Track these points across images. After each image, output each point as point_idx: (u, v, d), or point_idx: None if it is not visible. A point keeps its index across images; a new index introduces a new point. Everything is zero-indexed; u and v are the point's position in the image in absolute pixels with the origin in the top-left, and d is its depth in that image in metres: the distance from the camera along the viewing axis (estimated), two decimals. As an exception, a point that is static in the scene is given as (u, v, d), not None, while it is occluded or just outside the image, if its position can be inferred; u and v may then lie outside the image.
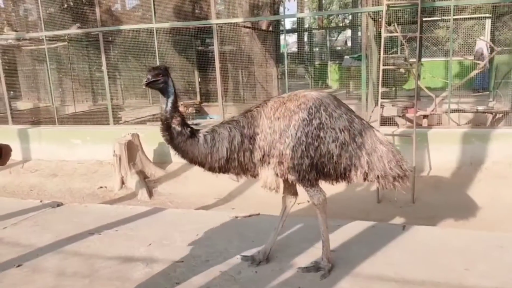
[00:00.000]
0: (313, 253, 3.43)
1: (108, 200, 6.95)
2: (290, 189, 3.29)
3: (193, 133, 2.94)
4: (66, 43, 10.84)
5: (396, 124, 7.36)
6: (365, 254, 3.43)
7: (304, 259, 3.39)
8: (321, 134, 2.85)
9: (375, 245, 3.61)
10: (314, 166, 2.89)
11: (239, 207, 6.21)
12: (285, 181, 3.13)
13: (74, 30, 9.58)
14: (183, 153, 2.97)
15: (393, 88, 9.66)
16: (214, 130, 2.99)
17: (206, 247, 3.72)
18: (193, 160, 3.01)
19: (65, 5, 10.18)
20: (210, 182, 7.07)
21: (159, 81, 2.83)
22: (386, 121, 7.29)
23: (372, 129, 3.07)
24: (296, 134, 2.85)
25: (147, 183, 7.42)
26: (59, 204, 5.21)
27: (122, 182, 7.43)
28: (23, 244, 3.97)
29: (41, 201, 5.41)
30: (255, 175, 3.07)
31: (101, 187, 7.60)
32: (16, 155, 8.97)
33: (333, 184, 3.11)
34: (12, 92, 10.83)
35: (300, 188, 3.24)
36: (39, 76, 11.89)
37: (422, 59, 10.54)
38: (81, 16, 10.02)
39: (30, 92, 12.20)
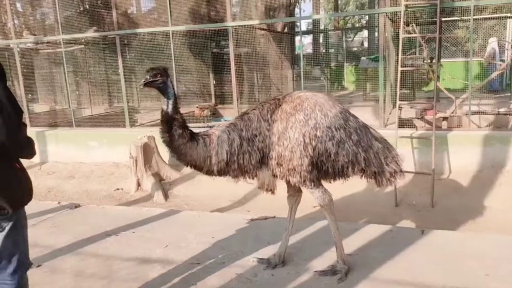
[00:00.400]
0: (330, 256, 3.40)
1: (124, 202, 7.00)
2: (294, 188, 3.28)
3: (193, 136, 2.95)
4: (82, 46, 11.00)
5: (414, 127, 7.23)
6: (383, 258, 3.38)
7: (321, 262, 3.36)
8: (318, 133, 2.88)
9: (393, 249, 3.55)
10: (314, 165, 2.90)
11: (254, 209, 6.19)
12: (288, 184, 3.15)
13: (91, 34, 9.71)
14: (181, 156, 2.96)
15: (412, 90, 9.52)
16: (213, 133, 3.00)
17: (221, 249, 3.73)
18: (190, 163, 3.01)
19: (82, 9, 10.33)
20: (225, 184, 7.00)
21: (158, 81, 2.83)
22: (404, 123, 7.17)
23: (367, 126, 3.11)
24: (294, 135, 2.87)
25: (163, 185, 7.45)
26: (76, 206, 5.28)
27: (138, 184, 7.48)
28: (42, 245, 4.03)
29: (59, 203, 5.50)
30: (253, 177, 3.08)
31: (117, 189, 7.67)
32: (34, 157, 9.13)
33: (330, 183, 3.11)
34: (30, 95, 11.03)
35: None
36: (55, 79, 12.08)
37: (442, 60, 10.39)
38: (97, 19, 10.16)
39: (46, 95, 12.40)
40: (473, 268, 3.18)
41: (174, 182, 7.60)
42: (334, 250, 3.27)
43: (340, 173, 2.98)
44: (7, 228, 2.15)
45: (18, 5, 10.51)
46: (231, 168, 2.98)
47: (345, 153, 2.90)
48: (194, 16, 10.00)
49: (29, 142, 2.26)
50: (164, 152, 8.01)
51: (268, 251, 3.54)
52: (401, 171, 3.08)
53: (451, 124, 7.25)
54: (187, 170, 7.94)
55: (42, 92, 12.39)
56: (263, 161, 2.96)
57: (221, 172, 3.02)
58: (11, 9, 9.64)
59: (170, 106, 2.87)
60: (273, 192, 3.13)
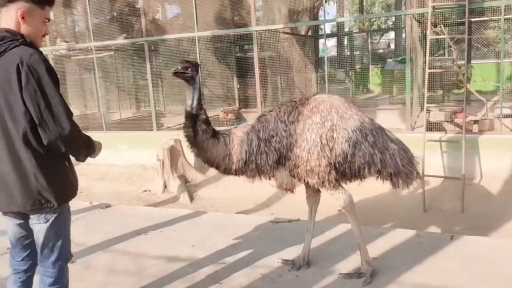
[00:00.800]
0: (355, 259, 3.39)
1: (152, 203, 7.16)
2: (311, 189, 3.29)
3: (215, 133, 3.01)
4: (112, 52, 11.34)
5: (444, 130, 7.09)
6: (410, 263, 3.34)
7: (346, 265, 3.35)
8: (334, 135, 2.90)
9: (420, 254, 3.51)
10: (332, 166, 2.92)
11: (278, 212, 6.21)
12: (307, 185, 3.17)
13: (121, 40, 10.00)
14: (202, 152, 3.02)
15: (441, 92, 9.34)
16: (233, 133, 3.05)
17: (246, 249, 3.77)
18: (209, 161, 3.06)
19: (111, 16, 10.64)
20: (249, 187, 7.04)
21: (187, 74, 2.93)
22: (433, 126, 7.04)
23: (382, 128, 3.11)
24: (311, 137, 2.90)
25: (188, 187, 7.58)
26: (107, 206, 5.45)
27: (165, 186, 7.64)
28: (75, 242, 4.10)
29: (90, 203, 5.68)
30: (270, 177, 3.11)
31: (145, 191, 7.85)
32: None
33: (346, 184, 3.12)
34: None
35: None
36: (85, 84, 12.46)
37: (472, 62, 10.14)
38: (126, 26, 10.45)
39: (77, 100, 12.79)
40: (504, 275, 3.11)
41: (199, 184, 7.73)
42: (359, 254, 3.27)
43: (356, 174, 2.99)
44: (51, 220, 2.25)
45: (51, 13, 10.91)
46: (248, 167, 3.02)
47: (362, 154, 2.91)
48: (218, 21, 10.14)
49: (84, 142, 2.34)
50: (189, 154, 8.10)
51: (292, 253, 3.56)
52: (417, 172, 3.07)
53: (482, 128, 7.06)
54: (212, 172, 8.08)
55: (73, 97, 12.79)
56: (280, 161, 3.00)
57: (238, 171, 3.07)
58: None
59: (195, 102, 2.95)
60: (292, 191, 3.16)
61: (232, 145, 3.00)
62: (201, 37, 8.72)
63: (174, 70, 2.94)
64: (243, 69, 11.06)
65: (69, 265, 3.10)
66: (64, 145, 2.16)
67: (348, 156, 2.90)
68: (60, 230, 2.31)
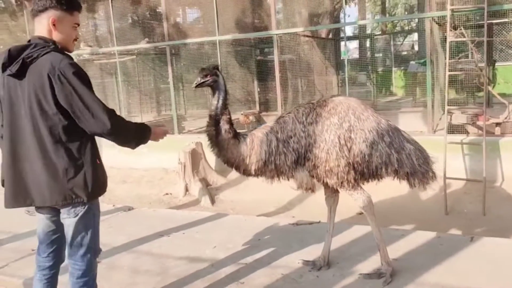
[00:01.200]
0: (375, 260, 3.40)
1: (173, 206, 7.29)
2: (329, 189, 3.32)
3: (236, 134, 3.09)
4: (134, 56, 11.58)
5: (466, 132, 7.00)
6: (430, 264, 3.35)
7: (366, 266, 3.38)
8: (352, 135, 2.95)
9: (441, 255, 3.51)
10: (350, 166, 2.97)
11: (299, 215, 6.24)
12: (326, 186, 3.20)
13: (143, 45, 10.22)
14: (222, 151, 3.09)
15: (465, 95, 9.19)
16: (253, 134, 3.13)
17: (267, 251, 3.83)
18: (229, 161, 3.13)
19: (134, 20, 10.88)
20: (270, 190, 7.10)
21: (208, 81, 3.03)
22: (455, 129, 6.97)
23: (398, 129, 3.14)
24: (329, 137, 2.95)
25: (209, 190, 7.68)
26: (130, 208, 5.58)
27: (186, 189, 7.75)
28: (100, 243, 4.30)
29: (113, 205, 5.82)
30: (289, 178, 3.16)
31: (166, 194, 7.98)
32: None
33: (364, 184, 3.14)
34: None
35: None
36: (107, 88, 12.75)
37: (498, 64, 9.94)
38: (147, 31, 10.66)
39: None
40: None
41: (220, 188, 7.82)
42: (379, 255, 3.28)
43: (374, 174, 3.03)
44: (80, 214, 2.38)
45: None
46: (268, 168, 3.09)
47: (379, 154, 2.96)
48: (239, 25, 10.26)
49: (131, 132, 2.47)
50: (211, 158, 8.25)
51: (313, 254, 3.60)
52: (433, 172, 3.09)
53: (504, 130, 6.95)
54: (233, 176, 8.18)
55: (95, 100, 13.05)
56: (299, 162, 3.06)
57: (258, 172, 3.13)
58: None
59: (220, 102, 3.05)
60: (313, 191, 3.21)
61: (252, 146, 3.07)
62: (222, 40, 8.83)
63: (195, 83, 3.06)
64: (263, 72, 11.14)
65: None
66: (111, 138, 2.34)
67: (366, 156, 2.95)
68: (89, 225, 2.43)
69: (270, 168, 3.09)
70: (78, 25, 2.46)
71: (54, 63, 2.20)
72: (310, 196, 6.68)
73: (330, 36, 11.51)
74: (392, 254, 3.34)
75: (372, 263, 3.40)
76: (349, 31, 19.02)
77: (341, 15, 11.38)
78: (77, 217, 2.38)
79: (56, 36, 2.35)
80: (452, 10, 6.41)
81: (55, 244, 2.59)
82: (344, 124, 2.96)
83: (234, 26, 10.11)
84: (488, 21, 6.38)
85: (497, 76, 9.97)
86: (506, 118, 7.02)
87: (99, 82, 12.59)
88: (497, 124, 6.96)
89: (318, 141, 2.97)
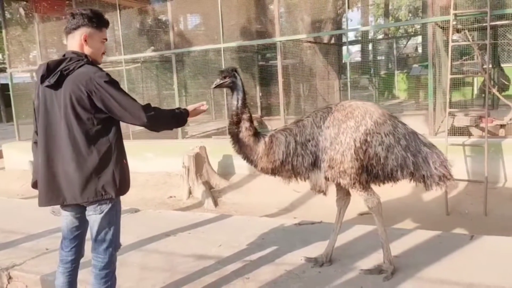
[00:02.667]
0: (376, 258, 3.51)
1: (177, 209, 7.38)
2: (342, 191, 3.45)
3: (257, 133, 3.23)
4: (139, 64, 11.75)
5: (470, 134, 7.07)
6: (429, 261, 3.44)
7: (367, 263, 3.47)
8: (368, 138, 3.05)
9: (440, 252, 3.60)
10: (364, 168, 3.07)
11: (301, 217, 6.32)
12: (338, 186, 3.31)
13: (149, 53, 10.38)
14: (243, 148, 3.22)
15: (469, 97, 9.25)
16: (272, 135, 3.26)
17: (271, 249, 3.93)
18: (248, 158, 3.26)
19: (140, 29, 11.05)
20: (273, 192, 7.30)
21: (226, 82, 3.19)
22: (457, 131, 7.04)
23: (415, 133, 3.23)
24: (345, 140, 3.05)
25: (213, 193, 7.79)
26: (136, 210, 5.70)
27: (190, 192, 7.86)
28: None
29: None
30: (305, 179, 3.29)
31: (170, 197, 8.09)
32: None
33: (379, 186, 3.24)
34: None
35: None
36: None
37: (504, 65, 10.00)
38: (153, 39, 10.83)
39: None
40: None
41: (223, 190, 7.93)
42: (380, 253, 3.38)
43: (389, 176, 3.13)
44: (105, 211, 2.60)
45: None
46: (284, 168, 3.22)
47: (394, 157, 3.05)
48: (242, 31, 10.40)
49: (167, 120, 2.74)
50: (214, 161, 8.39)
51: (315, 252, 3.70)
52: (450, 175, 3.15)
53: (509, 132, 7.01)
54: (235, 179, 8.31)
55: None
56: (316, 164, 3.17)
57: (275, 171, 3.26)
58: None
59: (240, 102, 3.20)
60: (325, 194, 3.30)
61: (271, 146, 3.20)
62: (226, 48, 8.98)
63: (214, 84, 3.22)
64: (265, 77, 11.26)
65: None
66: (151, 129, 2.68)
67: (381, 159, 3.05)
68: (112, 221, 2.67)
69: (287, 168, 3.21)
70: (106, 40, 2.74)
71: (89, 75, 2.49)
72: (312, 198, 6.90)
73: (333, 41, 11.62)
74: (393, 252, 3.42)
75: (373, 261, 3.50)
76: (351, 35, 19.06)
77: (343, 20, 11.50)
78: (102, 214, 2.61)
79: (87, 50, 2.63)
80: (455, 15, 6.50)
81: (77, 239, 2.80)
82: (360, 128, 3.06)
83: (238, 33, 10.25)
84: (494, 24, 6.41)
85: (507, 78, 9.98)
86: (510, 119, 7.10)
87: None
88: (502, 126, 7.02)
89: (334, 143, 3.08)
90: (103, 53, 2.76)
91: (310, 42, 10.27)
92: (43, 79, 2.52)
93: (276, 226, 4.60)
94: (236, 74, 3.21)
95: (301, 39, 9.36)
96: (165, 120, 2.72)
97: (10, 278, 3.93)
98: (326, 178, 3.18)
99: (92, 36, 2.62)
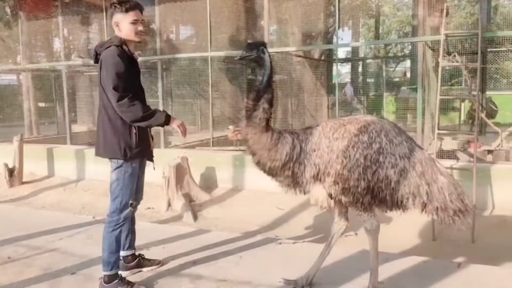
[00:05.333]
0: (359, 282, 3.30)
1: (155, 221, 7.07)
2: (341, 215, 3.21)
3: (268, 122, 2.95)
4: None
5: (456, 158, 6.99)
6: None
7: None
8: (380, 158, 2.79)
9: (426, 280, 3.43)
10: (370, 190, 2.81)
11: (282, 235, 6.12)
12: (338, 203, 3.05)
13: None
14: (249, 127, 2.93)
15: (456, 121, 9.27)
16: (281, 133, 2.98)
17: (249, 269, 3.70)
18: (249, 145, 2.99)
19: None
20: (255, 208, 7.08)
21: (252, 56, 2.92)
22: (445, 154, 6.95)
23: (433, 160, 2.97)
24: (355, 155, 2.79)
25: (193, 206, 7.51)
26: (110, 221, 5.39)
27: (169, 204, 7.56)
28: (78, 254, 4.18)
29: (93, 217, 5.66)
30: (305, 192, 3.03)
31: (148, 208, 7.77)
32: (71, 174, 9.44)
33: (386, 212, 3.01)
34: (73, 114, 11.58)
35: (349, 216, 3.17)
36: (96, 101, 12.60)
37: (489, 93, 10.05)
38: (139, 45, 10.62)
39: (85, 116, 12.92)
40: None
41: (204, 204, 7.65)
42: (365, 277, 3.18)
43: (399, 204, 2.87)
44: (113, 168, 3.25)
45: (65, 30, 11.14)
46: (284, 173, 2.96)
47: (407, 183, 2.79)
48: (232, 43, 10.30)
49: (135, 114, 3.12)
50: (196, 173, 8.14)
51: (295, 274, 3.46)
52: (466, 210, 2.88)
53: (497, 159, 6.94)
54: (217, 192, 8.06)
55: (83, 113, 12.91)
56: (319, 177, 2.92)
57: (272, 172, 2.99)
58: (63, 34, 10.29)
59: (265, 78, 2.91)
60: (328, 211, 3.08)
61: (277, 142, 2.92)
62: (214, 57, 8.83)
63: (239, 56, 2.96)
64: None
65: (70, 276, 3.55)
66: (119, 112, 3.10)
67: (392, 183, 2.79)
68: (120, 178, 3.23)
69: (286, 174, 2.95)
70: (137, 20, 3.19)
71: (103, 52, 3.14)
72: (295, 217, 6.69)
73: (323, 58, 11.61)
74: (378, 277, 3.23)
75: (357, 286, 3.30)
76: (342, 54, 19.25)
77: (334, 38, 11.54)
78: (114, 172, 3.26)
79: (118, 33, 3.22)
80: (446, 35, 6.45)
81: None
82: (374, 145, 2.80)
83: (227, 44, 10.15)
84: (485, 48, 6.39)
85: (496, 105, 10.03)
86: (498, 146, 7.05)
87: (87, 94, 12.47)
88: (489, 151, 6.96)
89: (341, 157, 2.82)
90: (137, 34, 3.21)
91: (299, 56, 10.20)
92: (94, 58, 3.28)
93: (256, 244, 4.38)
94: (265, 50, 2.94)
95: (290, 52, 9.28)
96: (133, 113, 3.09)
97: (-38, 289, 3.60)
98: (330, 195, 2.94)
99: (121, 21, 3.16)
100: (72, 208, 8.02)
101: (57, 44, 11.26)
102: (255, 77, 3.02)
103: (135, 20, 3.16)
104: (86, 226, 5.16)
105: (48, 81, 12.79)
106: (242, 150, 7.97)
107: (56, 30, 10.99)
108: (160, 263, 3.81)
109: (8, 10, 13.30)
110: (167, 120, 3.20)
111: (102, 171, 9.10)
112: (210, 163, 8.31)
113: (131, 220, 3.61)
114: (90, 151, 9.46)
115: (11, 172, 9.06)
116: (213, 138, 8.87)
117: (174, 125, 3.26)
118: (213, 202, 7.69)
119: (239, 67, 11.57)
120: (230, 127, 10.30)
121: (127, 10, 3.13)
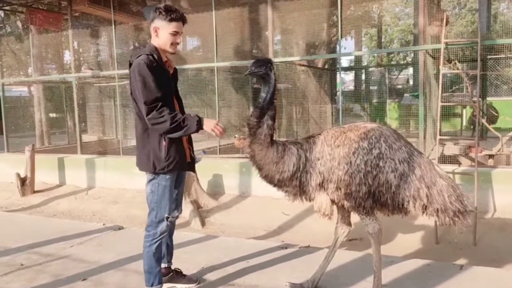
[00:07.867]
0: (364, 285, 3.40)
1: (164, 228, 7.21)
2: (344, 219, 3.32)
3: (273, 137, 3.07)
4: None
5: (458, 163, 7.07)
6: (419, 290, 3.35)
7: (354, 291, 3.36)
8: (380, 163, 2.89)
9: (429, 282, 3.51)
10: (371, 194, 2.92)
11: (289, 240, 6.20)
12: (341, 208, 3.17)
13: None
14: (255, 144, 3.04)
15: (460, 128, 9.32)
16: (285, 145, 3.10)
17: (256, 273, 3.80)
18: (255, 159, 3.10)
19: (135, 46, 11.09)
20: (262, 214, 7.19)
21: (261, 72, 3.04)
22: (447, 159, 7.03)
23: (431, 163, 3.07)
24: (356, 161, 2.90)
25: (200, 212, 7.63)
26: (120, 228, 5.55)
27: (177, 211, 7.70)
28: (88, 261, 4.28)
29: (104, 224, 5.79)
30: (311, 199, 3.13)
31: (157, 215, 7.91)
32: (81, 182, 9.62)
33: (388, 216, 3.11)
34: (83, 124, 11.80)
35: (353, 221, 3.27)
36: (105, 111, 12.80)
37: (490, 99, 10.12)
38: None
39: (95, 126, 13.14)
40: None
41: (211, 210, 7.77)
42: (369, 281, 3.27)
43: (400, 207, 2.96)
44: (148, 179, 3.19)
45: (75, 43, 11.41)
46: (292, 183, 3.06)
47: (407, 187, 2.89)
48: (237, 53, 10.48)
49: (164, 126, 3.00)
50: (203, 180, 8.28)
51: (300, 278, 3.58)
52: (466, 211, 2.97)
53: (498, 163, 7.02)
54: (224, 199, 8.18)
55: (91, 123, 13.10)
56: (323, 185, 3.03)
57: (280, 183, 3.11)
58: (73, 46, 10.55)
59: (268, 96, 3.03)
60: (330, 218, 3.15)
61: (283, 154, 3.04)
62: (220, 67, 9.00)
63: (248, 71, 3.09)
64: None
65: (81, 282, 3.58)
66: (150, 126, 3.02)
67: (392, 187, 2.89)
68: (154, 191, 3.16)
69: (294, 183, 3.06)
70: (177, 33, 3.08)
71: (134, 60, 3.00)
72: (301, 222, 6.79)
73: (326, 67, 11.74)
74: (382, 280, 3.31)
75: (360, 288, 3.39)
76: (346, 63, 19.38)
77: (337, 47, 11.69)
78: (149, 184, 3.19)
79: (154, 40, 3.10)
80: (446, 44, 6.58)
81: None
82: (374, 151, 2.90)
83: (232, 55, 10.32)
84: (485, 56, 6.48)
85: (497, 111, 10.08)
86: (499, 150, 7.12)
87: (97, 105, 12.69)
88: (490, 156, 7.04)
89: (343, 163, 2.93)
90: (173, 44, 3.10)
91: (303, 65, 10.35)
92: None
93: (263, 249, 4.48)
94: (272, 67, 3.06)
95: (294, 61, 9.42)
96: (164, 125, 2.98)
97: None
98: (332, 201, 3.04)
99: (161, 28, 3.05)
100: (83, 215, 8.19)
101: (67, 57, 11.54)
102: (259, 92, 3.15)
103: (175, 31, 3.05)
104: (97, 233, 5.28)
105: (58, 92, 13.05)
106: (248, 158, 8.09)
107: (66, 43, 11.26)
108: (197, 281, 3.63)
109: (19, 24, 13.64)
110: (199, 126, 3.02)
111: (111, 180, 9.33)
112: (217, 171, 8.45)
113: (168, 232, 3.43)
114: (100, 160, 9.68)
115: (23, 181, 9.28)
116: (220, 146, 9.02)
117: (208, 129, 3.05)
118: (220, 209, 7.81)
119: (244, 76, 11.73)
120: (236, 135, 10.47)
121: (171, 20, 3.01)
